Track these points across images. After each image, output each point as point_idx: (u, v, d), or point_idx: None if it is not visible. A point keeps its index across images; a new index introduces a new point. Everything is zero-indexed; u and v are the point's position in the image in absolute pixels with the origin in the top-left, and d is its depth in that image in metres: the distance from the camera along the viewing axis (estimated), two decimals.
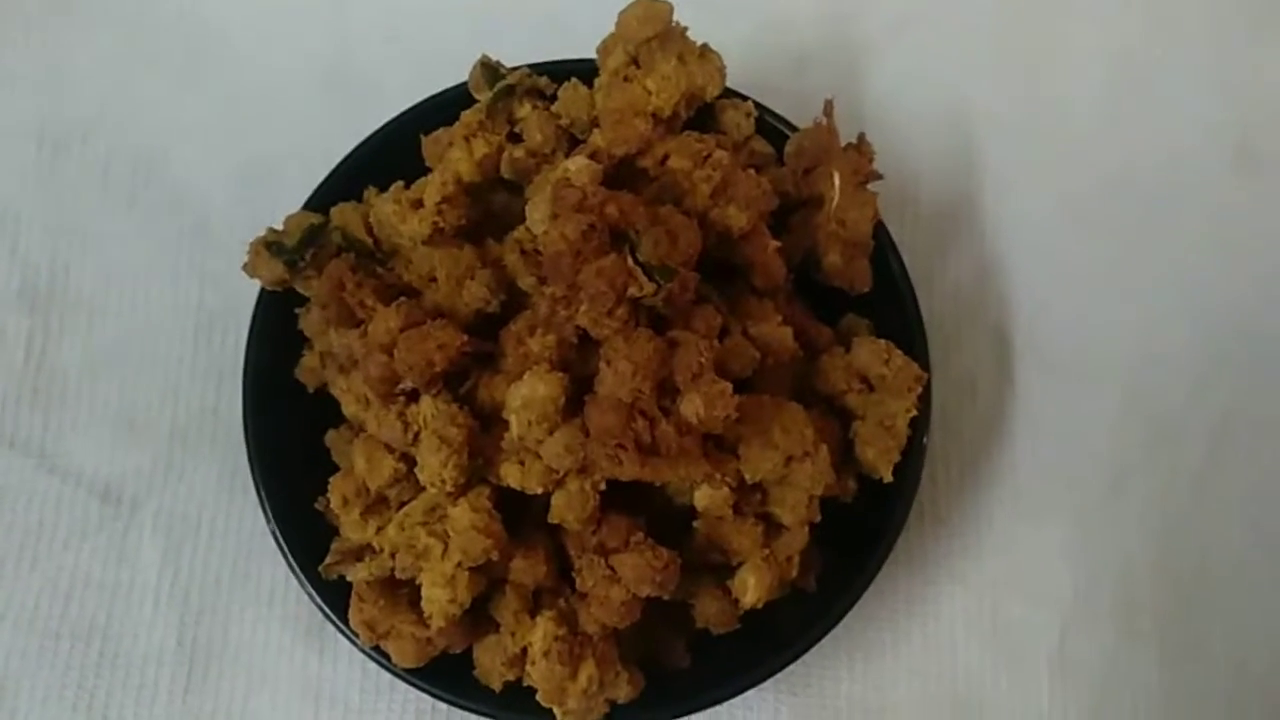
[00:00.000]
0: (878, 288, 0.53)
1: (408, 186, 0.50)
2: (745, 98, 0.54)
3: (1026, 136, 0.65)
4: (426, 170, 0.52)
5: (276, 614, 0.58)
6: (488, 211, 0.52)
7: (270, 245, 0.51)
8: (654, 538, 0.47)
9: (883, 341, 0.51)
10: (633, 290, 0.43)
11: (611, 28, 0.50)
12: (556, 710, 0.47)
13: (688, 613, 0.50)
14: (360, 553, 0.49)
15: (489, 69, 0.52)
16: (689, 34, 0.50)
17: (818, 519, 0.49)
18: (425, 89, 0.56)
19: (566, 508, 0.46)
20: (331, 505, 0.50)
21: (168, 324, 0.62)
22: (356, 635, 0.48)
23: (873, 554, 0.51)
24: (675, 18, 0.50)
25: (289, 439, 0.54)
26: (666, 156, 0.48)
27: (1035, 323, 0.62)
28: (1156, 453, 0.60)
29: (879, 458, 0.50)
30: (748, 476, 0.46)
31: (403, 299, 0.47)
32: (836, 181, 0.52)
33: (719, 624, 0.49)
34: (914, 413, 0.50)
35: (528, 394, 0.44)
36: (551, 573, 0.48)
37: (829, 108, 0.52)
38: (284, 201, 0.54)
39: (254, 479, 0.53)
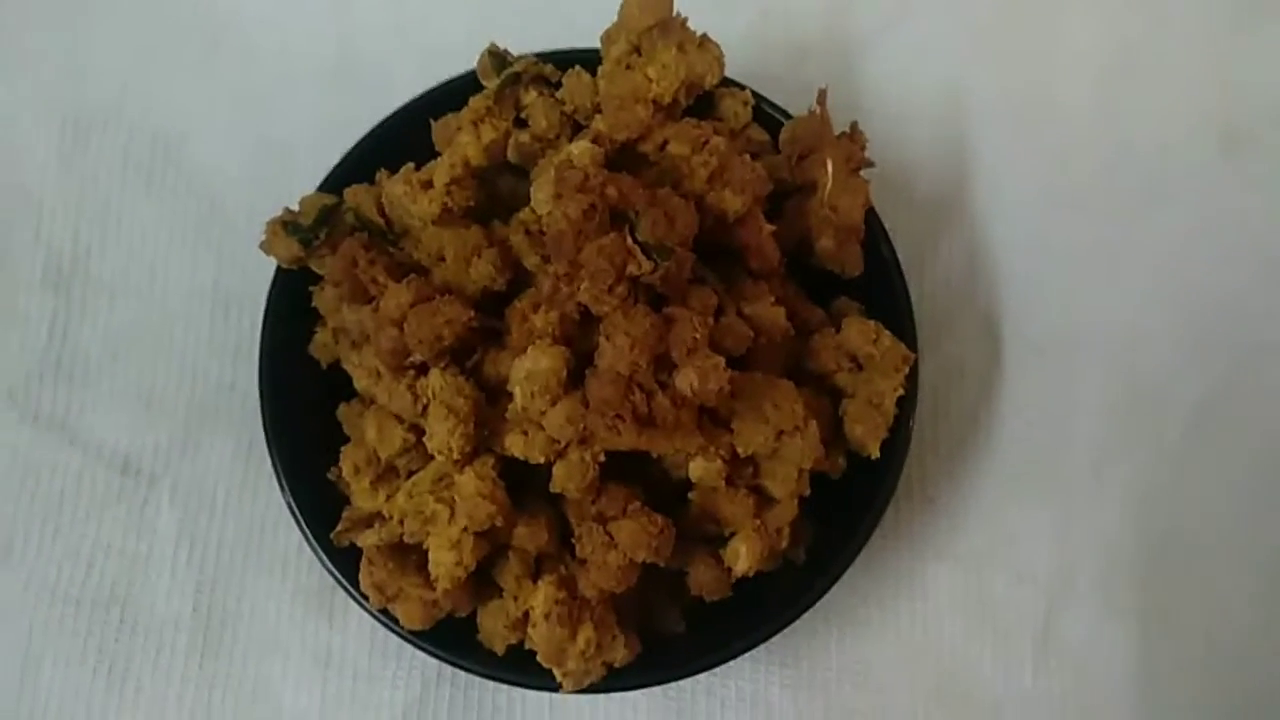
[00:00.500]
0: (869, 272, 0.54)
1: (418, 169, 0.50)
2: (743, 86, 0.54)
3: (1018, 125, 0.65)
4: (436, 154, 0.52)
5: (288, 584, 0.58)
6: (494, 193, 0.53)
7: (286, 225, 0.51)
8: (651, 508, 0.47)
9: (871, 322, 0.51)
10: (632, 268, 0.44)
11: (614, 18, 0.51)
12: (556, 671, 0.48)
13: (683, 582, 0.50)
14: (370, 520, 0.50)
15: (496, 57, 0.52)
16: (689, 24, 0.50)
17: (807, 492, 0.49)
18: (431, 78, 0.57)
19: (567, 477, 0.46)
20: (343, 474, 0.51)
21: (186, 303, 0.63)
22: (366, 598, 0.49)
23: (860, 526, 0.52)
24: (676, 8, 0.50)
25: (303, 413, 0.54)
26: (666, 142, 0.49)
27: (1024, 307, 0.62)
28: (1140, 434, 0.61)
29: (867, 435, 0.51)
30: (740, 450, 0.47)
31: (413, 276, 0.48)
32: (829, 168, 0.52)
33: (712, 591, 0.50)
34: (901, 391, 0.51)
35: (531, 367, 0.45)
36: (553, 540, 0.48)
37: (822, 96, 0.52)
38: (297, 184, 0.55)
39: (269, 451, 0.53)
